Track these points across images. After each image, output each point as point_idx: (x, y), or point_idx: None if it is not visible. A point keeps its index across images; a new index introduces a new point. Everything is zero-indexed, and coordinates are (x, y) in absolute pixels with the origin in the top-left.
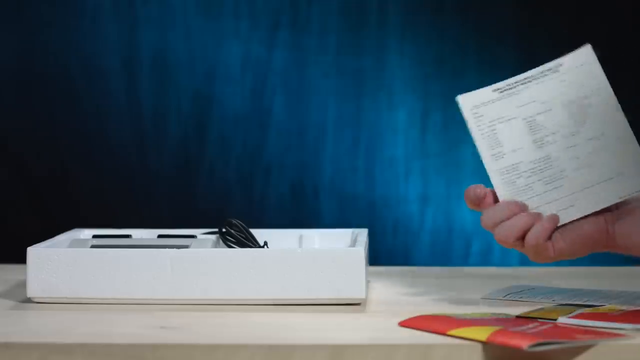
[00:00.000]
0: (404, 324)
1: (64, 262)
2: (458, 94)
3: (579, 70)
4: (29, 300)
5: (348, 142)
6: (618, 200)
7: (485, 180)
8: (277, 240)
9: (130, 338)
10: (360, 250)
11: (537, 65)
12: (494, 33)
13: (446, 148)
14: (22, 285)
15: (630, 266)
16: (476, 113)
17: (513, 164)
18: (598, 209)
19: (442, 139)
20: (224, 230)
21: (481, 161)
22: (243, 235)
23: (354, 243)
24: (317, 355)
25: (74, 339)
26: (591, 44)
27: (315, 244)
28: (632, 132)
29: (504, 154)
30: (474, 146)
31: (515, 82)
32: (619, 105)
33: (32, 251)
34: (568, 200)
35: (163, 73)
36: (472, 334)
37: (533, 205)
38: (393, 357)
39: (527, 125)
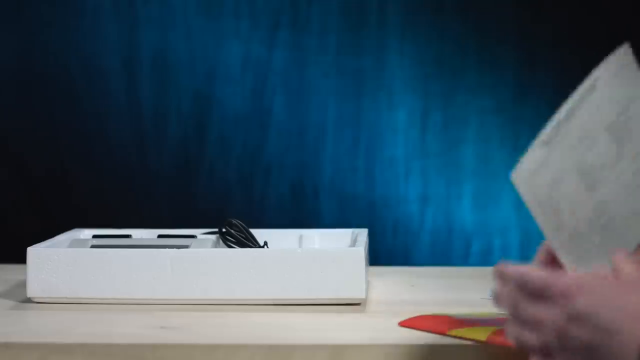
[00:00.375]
0: (404, 324)
1: (64, 262)
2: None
3: (616, 81)
4: (29, 300)
5: (348, 142)
6: None
7: (482, 179)
8: (277, 240)
9: (130, 338)
10: (360, 250)
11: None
12: (494, 33)
13: (446, 148)
14: (22, 285)
15: None
16: (532, 185)
17: (574, 227)
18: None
19: (442, 139)
20: (224, 230)
21: (481, 161)
22: (243, 235)
23: (354, 243)
24: (317, 355)
25: (74, 339)
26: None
27: (315, 244)
28: None
29: (564, 220)
30: (473, 146)
31: (558, 124)
32: None
33: (32, 251)
34: (623, 238)
35: (163, 73)
36: (472, 334)
37: (591, 257)
38: (393, 357)
39: (578, 173)
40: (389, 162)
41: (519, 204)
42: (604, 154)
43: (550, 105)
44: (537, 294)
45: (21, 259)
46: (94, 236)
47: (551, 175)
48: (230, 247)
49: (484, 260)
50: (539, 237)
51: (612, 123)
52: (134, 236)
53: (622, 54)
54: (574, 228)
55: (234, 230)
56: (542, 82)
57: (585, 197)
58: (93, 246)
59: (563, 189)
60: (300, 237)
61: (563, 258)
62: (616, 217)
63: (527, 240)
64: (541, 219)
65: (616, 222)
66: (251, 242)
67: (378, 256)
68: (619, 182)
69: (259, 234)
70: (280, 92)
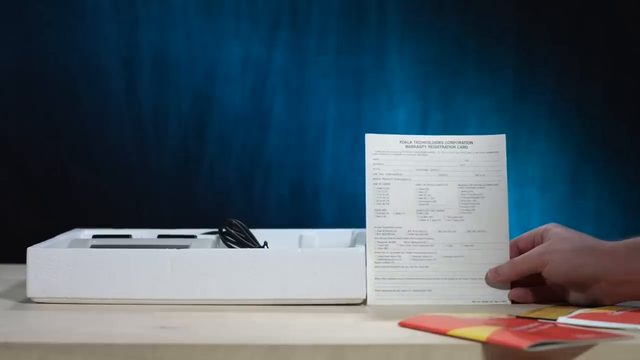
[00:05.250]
0: (404, 324)
1: (64, 262)
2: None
3: (485, 156)
4: (29, 300)
5: (348, 142)
6: (471, 304)
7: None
8: (277, 240)
9: (130, 338)
10: (360, 250)
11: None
12: (494, 33)
13: None
14: (22, 285)
15: None
16: (377, 160)
17: (392, 227)
18: (450, 303)
19: None
20: (224, 230)
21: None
22: (243, 235)
23: (354, 243)
24: (317, 355)
25: (74, 339)
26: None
27: (315, 244)
28: (508, 238)
29: (387, 214)
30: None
31: (424, 142)
32: (507, 207)
33: (32, 251)
34: (429, 283)
35: (163, 73)
36: (472, 334)
37: (398, 275)
38: (393, 357)
39: (418, 192)
40: None
41: (519, 204)
42: (447, 201)
43: (550, 105)
44: None
45: (21, 259)
46: (94, 236)
47: (395, 169)
48: (230, 247)
49: None
50: None
51: (466, 186)
52: (134, 236)
53: (499, 140)
54: (392, 227)
55: (234, 230)
56: (542, 82)
57: (413, 216)
58: (93, 246)
59: (399, 188)
60: (300, 237)
61: (369, 235)
62: (431, 263)
63: None
64: (370, 192)
65: (430, 267)
66: (251, 242)
67: None
68: (448, 238)
69: (259, 234)
70: (280, 92)
